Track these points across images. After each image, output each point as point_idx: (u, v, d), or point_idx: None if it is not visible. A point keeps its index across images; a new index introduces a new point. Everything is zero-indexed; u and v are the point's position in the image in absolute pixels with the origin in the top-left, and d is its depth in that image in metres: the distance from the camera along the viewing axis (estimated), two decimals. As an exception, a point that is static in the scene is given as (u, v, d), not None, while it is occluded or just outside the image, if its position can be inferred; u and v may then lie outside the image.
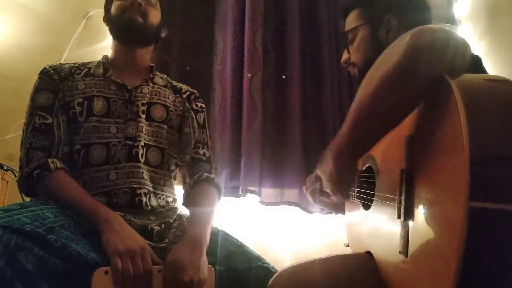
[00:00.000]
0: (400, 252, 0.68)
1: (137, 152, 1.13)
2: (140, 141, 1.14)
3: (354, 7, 1.10)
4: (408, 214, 0.67)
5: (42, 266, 0.82)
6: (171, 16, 2.04)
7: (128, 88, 1.20)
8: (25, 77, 1.45)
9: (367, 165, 0.98)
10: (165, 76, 1.35)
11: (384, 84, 0.69)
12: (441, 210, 0.55)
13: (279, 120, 1.96)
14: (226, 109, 1.92)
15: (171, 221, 1.13)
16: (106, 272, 0.88)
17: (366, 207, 0.96)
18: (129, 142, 1.13)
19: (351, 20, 1.10)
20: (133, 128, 1.15)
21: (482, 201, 0.47)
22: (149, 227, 1.06)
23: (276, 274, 0.96)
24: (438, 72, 0.62)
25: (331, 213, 1.77)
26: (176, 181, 1.28)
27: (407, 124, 0.72)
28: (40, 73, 1.17)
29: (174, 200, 1.22)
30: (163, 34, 1.33)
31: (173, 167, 1.25)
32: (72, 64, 1.23)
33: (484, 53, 1.99)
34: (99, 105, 1.14)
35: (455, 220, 0.49)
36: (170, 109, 1.25)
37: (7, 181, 1.51)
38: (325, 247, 1.82)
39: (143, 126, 1.16)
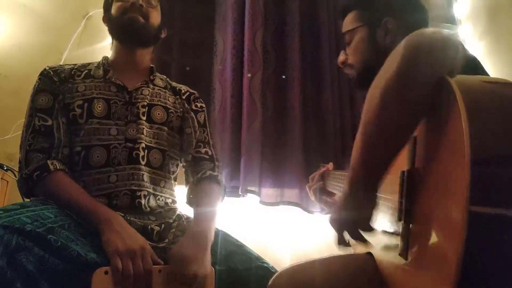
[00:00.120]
0: (400, 254, 0.68)
1: (137, 154, 1.13)
2: (140, 143, 1.14)
3: (353, 8, 1.10)
4: (408, 216, 0.66)
5: (42, 266, 0.82)
6: (171, 17, 2.04)
7: (129, 89, 1.20)
8: (25, 77, 1.45)
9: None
10: (165, 77, 1.35)
11: (387, 97, 0.66)
12: (442, 212, 0.55)
13: (279, 120, 1.96)
14: (226, 109, 1.92)
15: (171, 221, 1.13)
16: (106, 272, 0.88)
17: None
18: (130, 144, 1.13)
19: (349, 22, 1.10)
20: (133, 130, 1.15)
21: (483, 204, 0.47)
22: (149, 227, 1.06)
23: (276, 274, 0.97)
24: (437, 75, 0.62)
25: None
26: (176, 182, 1.28)
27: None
28: (40, 75, 1.17)
29: (174, 202, 1.22)
30: (163, 35, 1.33)
31: (173, 169, 1.25)
32: (72, 66, 1.23)
33: (484, 53, 1.99)
34: (99, 107, 1.14)
35: (455, 222, 0.49)
36: (170, 110, 1.25)
37: (7, 181, 1.51)
38: (325, 247, 1.82)
39: (143, 128, 1.16)
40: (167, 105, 1.25)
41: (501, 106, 0.54)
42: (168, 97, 1.28)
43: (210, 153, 1.27)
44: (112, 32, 1.26)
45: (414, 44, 0.65)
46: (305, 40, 2.04)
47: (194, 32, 2.21)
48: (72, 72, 1.19)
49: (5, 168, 1.51)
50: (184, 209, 1.24)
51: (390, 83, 0.66)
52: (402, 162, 0.72)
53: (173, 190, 1.24)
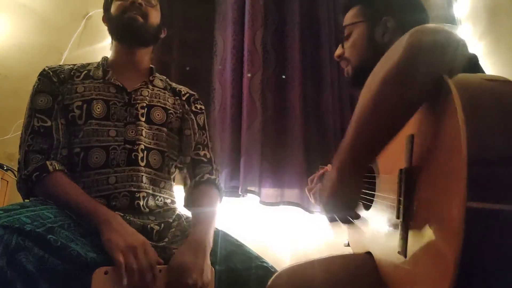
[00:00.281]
0: (399, 252, 0.68)
1: (136, 156, 1.13)
2: (139, 144, 1.14)
3: (355, 4, 1.11)
4: (407, 214, 0.67)
5: (42, 266, 0.82)
6: (171, 17, 2.04)
7: (128, 90, 1.19)
8: (25, 77, 1.45)
9: (367, 165, 0.98)
10: (165, 77, 1.35)
11: (385, 86, 0.68)
12: (440, 210, 0.55)
13: (279, 120, 1.97)
14: (226, 109, 1.92)
15: (171, 221, 1.13)
16: (106, 272, 0.88)
17: (367, 207, 0.96)
18: (129, 146, 1.13)
19: (350, 16, 1.11)
20: (132, 132, 1.15)
21: (480, 201, 0.47)
22: (148, 226, 1.06)
23: (275, 274, 0.96)
24: (437, 72, 0.62)
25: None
26: (175, 183, 1.28)
27: (407, 124, 0.72)
28: (39, 75, 1.17)
29: (173, 202, 1.22)
30: (162, 35, 1.32)
31: (172, 170, 1.25)
32: (71, 66, 1.22)
33: (484, 53, 1.99)
34: (98, 108, 1.14)
35: (453, 220, 0.49)
36: (169, 112, 1.25)
37: (7, 181, 1.52)
38: (325, 247, 1.82)
39: (142, 129, 1.16)
40: (167, 106, 1.25)
41: (498, 104, 0.54)
42: (168, 98, 1.28)
43: (208, 156, 1.27)
44: (111, 31, 1.26)
45: (417, 39, 0.65)
46: (305, 40, 2.04)
47: (194, 32, 2.21)
48: (72, 73, 1.19)
49: (5, 168, 1.51)
50: (184, 209, 1.24)
51: (389, 74, 0.67)
52: (400, 161, 0.72)
53: (172, 191, 1.24)
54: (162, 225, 1.10)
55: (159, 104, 1.24)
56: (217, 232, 1.12)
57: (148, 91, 1.23)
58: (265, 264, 1.10)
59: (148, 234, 1.04)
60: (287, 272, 0.95)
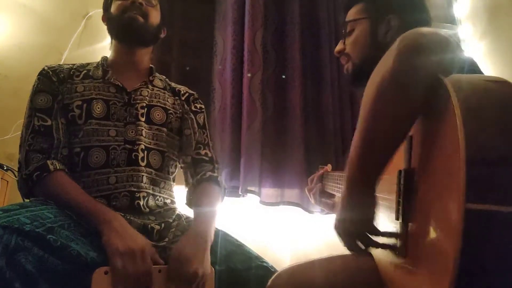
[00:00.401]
0: (398, 252, 0.68)
1: (136, 156, 1.13)
2: (139, 144, 1.14)
3: (360, 0, 1.10)
4: (406, 215, 0.67)
5: (41, 266, 0.82)
6: (171, 17, 2.04)
7: (128, 90, 1.19)
8: (25, 77, 1.45)
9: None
10: (164, 77, 1.35)
11: (382, 94, 0.67)
12: (439, 211, 0.55)
13: (279, 120, 1.96)
14: (226, 109, 1.92)
15: (171, 220, 1.14)
16: (106, 272, 0.89)
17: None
18: (129, 146, 1.13)
19: (354, 12, 1.11)
20: (132, 132, 1.15)
21: (479, 202, 0.47)
22: (149, 226, 1.07)
23: (275, 274, 0.96)
24: (430, 75, 0.62)
25: (331, 213, 1.77)
26: (174, 183, 1.28)
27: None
28: (39, 74, 1.17)
29: (173, 202, 1.22)
30: (162, 35, 1.32)
31: (172, 170, 1.25)
32: (71, 66, 1.22)
33: (484, 53, 1.99)
34: (98, 108, 1.14)
35: (452, 221, 0.49)
36: (169, 112, 1.25)
37: (7, 181, 1.52)
38: (325, 247, 1.82)
39: (142, 129, 1.16)
40: (167, 106, 1.25)
41: (497, 104, 0.54)
42: (168, 98, 1.28)
43: (209, 155, 1.27)
44: (111, 31, 1.26)
45: (409, 43, 0.65)
46: (305, 40, 2.04)
47: (194, 32, 2.21)
48: (71, 72, 1.19)
49: (5, 168, 1.51)
50: (184, 209, 1.24)
51: (385, 80, 0.66)
52: (399, 162, 0.72)
53: (172, 191, 1.24)
54: (163, 224, 1.10)
55: (159, 104, 1.24)
56: (217, 232, 1.13)
57: (148, 91, 1.23)
58: (265, 264, 1.10)
59: (149, 234, 1.05)
60: (287, 272, 0.95)
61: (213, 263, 1.02)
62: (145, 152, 1.15)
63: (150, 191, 1.13)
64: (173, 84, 1.34)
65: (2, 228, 0.81)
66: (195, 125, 1.28)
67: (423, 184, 0.64)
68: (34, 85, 1.15)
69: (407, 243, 0.66)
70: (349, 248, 0.78)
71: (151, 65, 1.31)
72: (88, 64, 1.25)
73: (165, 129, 1.22)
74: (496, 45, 1.95)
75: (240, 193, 1.83)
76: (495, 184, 0.48)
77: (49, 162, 1.05)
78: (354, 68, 1.09)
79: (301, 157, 1.89)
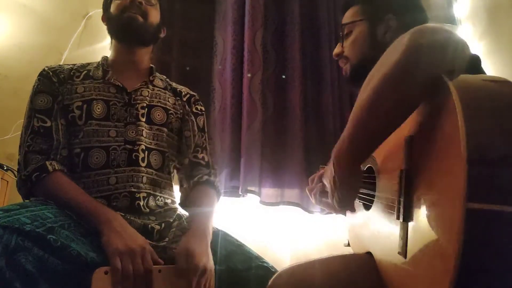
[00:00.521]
0: (399, 252, 0.68)
1: (137, 156, 1.13)
2: (140, 145, 1.14)
3: (356, 2, 1.10)
4: (407, 215, 0.67)
5: (41, 266, 0.82)
6: (171, 17, 2.04)
7: (128, 91, 1.19)
8: (25, 77, 1.45)
9: (368, 165, 0.98)
10: (165, 77, 1.35)
11: (384, 84, 0.68)
12: (440, 210, 0.55)
13: (279, 120, 1.96)
14: (226, 109, 1.92)
15: (171, 220, 1.13)
16: (106, 272, 0.88)
17: (367, 207, 0.96)
18: (129, 146, 1.13)
19: (350, 14, 1.11)
20: (132, 132, 1.15)
21: (480, 202, 0.47)
22: (149, 226, 1.06)
23: (275, 274, 0.96)
24: (437, 72, 0.62)
25: (331, 213, 1.77)
26: (173, 183, 1.28)
27: (407, 125, 0.72)
28: (39, 75, 1.16)
29: (173, 202, 1.22)
30: (162, 35, 1.32)
31: (172, 170, 1.26)
32: (71, 66, 1.22)
33: (484, 53, 1.99)
34: (98, 108, 1.14)
35: (453, 220, 0.49)
36: (170, 112, 1.25)
37: (7, 181, 1.52)
38: (325, 247, 1.82)
39: (143, 130, 1.16)
40: (167, 106, 1.25)
41: (497, 104, 0.54)
42: (168, 98, 1.27)
43: (206, 159, 1.27)
44: (111, 31, 1.26)
45: (418, 39, 0.65)
46: (305, 40, 2.04)
47: (194, 32, 2.20)
48: (71, 73, 1.19)
49: (5, 168, 1.51)
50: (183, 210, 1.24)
51: (389, 72, 0.67)
52: (400, 162, 0.72)
53: (172, 191, 1.24)
54: (163, 224, 1.10)
55: (159, 104, 1.23)
56: (217, 232, 1.13)
57: (148, 91, 1.23)
58: (265, 264, 1.10)
59: (149, 234, 1.04)
60: (287, 272, 0.95)
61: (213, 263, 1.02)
62: (146, 152, 1.15)
63: (150, 191, 1.13)
64: (174, 84, 1.34)
65: (2, 228, 0.81)
66: (195, 128, 1.28)
67: (424, 183, 0.64)
68: (34, 85, 1.15)
69: (407, 243, 0.65)
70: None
71: (151, 65, 1.30)
72: (88, 64, 1.25)
73: (165, 129, 1.21)
74: (496, 45, 1.95)
75: (240, 193, 1.83)
76: (496, 184, 0.48)
77: (48, 163, 1.05)
78: (352, 69, 1.09)
79: (301, 157, 1.89)
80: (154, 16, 1.24)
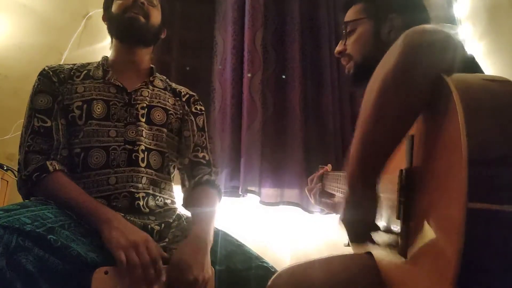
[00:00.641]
0: (399, 252, 0.68)
1: (136, 157, 1.13)
2: (140, 145, 1.14)
3: (359, 0, 1.10)
4: (407, 214, 0.66)
5: (42, 266, 0.82)
6: (171, 17, 2.04)
7: (128, 91, 1.19)
8: (25, 77, 1.45)
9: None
10: (165, 77, 1.35)
11: (385, 90, 0.67)
12: (440, 210, 0.55)
13: (279, 120, 1.97)
14: (226, 109, 1.92)
15: (171, 221, 1.13)
16: (106, 272, 0.89)
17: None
18: (129, 146, 1.13)
19: (354, 12, 1.10)
20: (132, 132, 1.15)
21: (481, 202, 0.47)
22: (149, 226, 1.06)
23: (275, 274, 0.96)
24: (434, 73, 0.62)
25: (331, 213, 1.77)
26: (173, 183, 1.28)
27: (408, 124, 0.72)
28: (39, 75, 1.16)
29: (173, 202, 1.22)
30: (162, 35, 1.32)
31: (172, 170, 1.26)
32: (71, 66, 1.22)
33: (484, 53, 1.99)
34: (98, 108, 1.14)
35: (454, 220, 0.49)
36: (170, 112, 1.25)
37: (7, 181, 1.52)
38: (325, 247, 1.82)
39: (143, 130, 1.16)
40: (167, 107, 1.25)
41: (499, 104, 0.54)
42: (168, 98, 1.27)
43: (207, 158, 1.27)
44: (112, 30, 1.26)
45: (413, 40, 0.65)
46: (305, 40, 2.04)
47: (194, 32, 2.21)
48: (72, 73, 1.19)
49: (5, 168, 1.51)
50: (184, 209, 1.24)
51: (387, 77, 0.66)
52: (401, 161, 0.72)
53: (172, 191, 1.24)
54: (163, 225, 1.10)
55: (159, 104, 1.23)
56: (217, 232, 1.13)
57: (148, 92, 1.23)
58: (265, 264, 1.10)
59: (149, 234, 1.04)
60: (287, 272, 0.95)
61: (213, 263, 1.02)
62: (145, 152, 1.15)
63: (150, 192, 1.13)
64: (173, 85, 1.34)
65: (3, 228, 0.81)
66: (195, 127, 1.28)
67: (424, 183, 0.64)
68: (34, 85, 1.15)
69: (408, 243, 0.65)
70: (352, 241, 0.82)
71: (151, 65, 1.31)
72: (88, 64, 1.25)
73: (165, 130, 1.21)
74: (496, 45, 1.95)
75: (240, 193, 1.83)
76: (497, 184, 0.48)
77: (48, 162, 1.05)
78: (356, 68, 1.08)
79: (301, 157, 1.89)
80: (156, 17, 1.25)
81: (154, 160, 1.17)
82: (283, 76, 2.01)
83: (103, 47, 1.74)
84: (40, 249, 0.83)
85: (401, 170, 0.70)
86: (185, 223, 1.17)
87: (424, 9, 1.07)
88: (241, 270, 1.06)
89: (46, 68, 1.18)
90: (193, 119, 1.29)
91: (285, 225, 1.90)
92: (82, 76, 1.19)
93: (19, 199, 1.10)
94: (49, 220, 0.90)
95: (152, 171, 1.16)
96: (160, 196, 1.16)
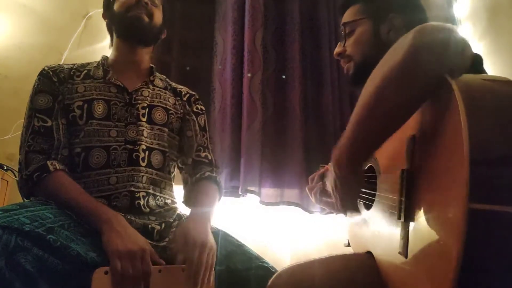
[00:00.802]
0: (400, 252, 0.67)
1: (137, 156, 1.13)
2: (140, 144, 1.14)
3: (357, 1, 1.10)
4: (408, 214, 0.66)
5: (41, 266, 0.82)
6: (171, 17, 2.05)
7: (129, 90, 1.19)
8: (25, 77, 1.45)
9: (368, 165, 0.98)
10: (165, 77, 1.35)
11: (387, 83, 0.68)
12: (441, 211, 0.55)
13: (279, 120, 1.96)
14: (226, 109, 1.92)
15: (171, 220, 1.14)
16: (106, 272, 0.88)
17: (368, 207, 0.96)
18: (129, 146, 1.13)
19: (352, 13, 1.10)
20: (133, 132, 1.15)
21: (482, 202, 0.47)
22: (149, 226, 1.07)
23: (275, 274, 0.96)
24: (440, 71, 0.62)
25: (331, 213, 1.77)
26: (174, 183, 1.28)
27: (409, 124, 0.72)
28: (39, 75, 1.16)
29: (173, 202, 1.22)
30: (163, 36, 1.33)
31: (172, 170, 1.26)
32: (71, 65, 1.22)
33: (484, 53, 1.98)
34: (99, 108, 1.14)
35: (454, 221, 0.49)
36: (170, 112, 1.25)
37: (7, 181, 1.52)
38: (325, 247, 1.82)
39: (143, 130, 1.16)
40: (168, 106, 1.25)
41: (500, 105, 0.54)
42: (169, 98, 1.27)
43: (209, 157, 1.27)
44: (113, 29, 1.25)
45: (422, 38, 0.65)
46: (305, 40, 2.04)
47: (194, 32, 2.21)
48: (72, 72, 1.19)
49: (5, 168, 1.51)
50: (184, 209, 1.24)
51: (392, 71, 0.67)
52: (401, 161, 0.72)
53: (172, 191, 1.24)
54: (163, 224, 1.10)
55: (160, 104, 1.23)
56: (217, 232, 1.13)
57: (149, 91, 1.23)
58: (265, 264, 1.10)
59: (149, 234, 1.05)
60: (287, 272, 0.95)
61: (213, 263, 1.02)
62: (146, 152, 1.15)
63: (151, 191, 1.13)
64: (173, 84, 1.34)
65: (2, 228, 0.81)
66: (197, 127, 1.28)
67: (425, 183, 0.64)
68: (34, 85, 1.15)
69: (408, 243, 0.65)
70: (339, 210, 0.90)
71: (151, 65, 1.31)
72: (88, 63, 1.25)
73: (166, 129, 1.22)
74: (496, 45, 1.95)
75: (240, 193, 1.83)
76: (498, 184, 0.48)
77: (49, 162, 1.05)
78: (356, 68, 1.08)
79: (301, 157, 1.89)
80: (158, 17, 1.25)
81: (156, 159, 1.17)
82: (283, 76, 2.01)
83: (103, 47, 1.74)
84: (40, 249, 0.83)
85: (402, 170, 0.70)
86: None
87: (422, 10, 1.08)
88: (241, 270, 1.06)
89: (46, 68, 1.17)
90: (195, 118, 1.29)
91: (285, 225, 1.90)
92: (82, 76, 1.19)
93: (19, 199, 1.10)
94: (49, 220, 0.90)
95: (153, 171, 1.16)
96: (160, 196, 1.16)
